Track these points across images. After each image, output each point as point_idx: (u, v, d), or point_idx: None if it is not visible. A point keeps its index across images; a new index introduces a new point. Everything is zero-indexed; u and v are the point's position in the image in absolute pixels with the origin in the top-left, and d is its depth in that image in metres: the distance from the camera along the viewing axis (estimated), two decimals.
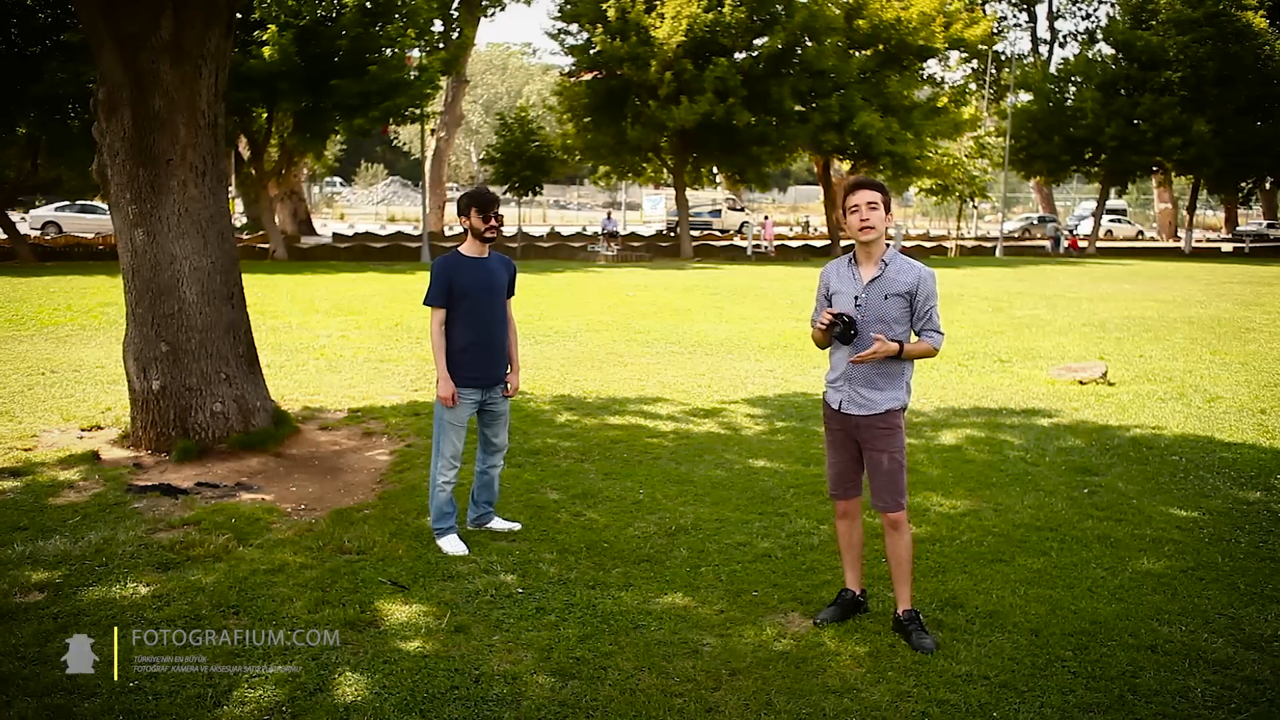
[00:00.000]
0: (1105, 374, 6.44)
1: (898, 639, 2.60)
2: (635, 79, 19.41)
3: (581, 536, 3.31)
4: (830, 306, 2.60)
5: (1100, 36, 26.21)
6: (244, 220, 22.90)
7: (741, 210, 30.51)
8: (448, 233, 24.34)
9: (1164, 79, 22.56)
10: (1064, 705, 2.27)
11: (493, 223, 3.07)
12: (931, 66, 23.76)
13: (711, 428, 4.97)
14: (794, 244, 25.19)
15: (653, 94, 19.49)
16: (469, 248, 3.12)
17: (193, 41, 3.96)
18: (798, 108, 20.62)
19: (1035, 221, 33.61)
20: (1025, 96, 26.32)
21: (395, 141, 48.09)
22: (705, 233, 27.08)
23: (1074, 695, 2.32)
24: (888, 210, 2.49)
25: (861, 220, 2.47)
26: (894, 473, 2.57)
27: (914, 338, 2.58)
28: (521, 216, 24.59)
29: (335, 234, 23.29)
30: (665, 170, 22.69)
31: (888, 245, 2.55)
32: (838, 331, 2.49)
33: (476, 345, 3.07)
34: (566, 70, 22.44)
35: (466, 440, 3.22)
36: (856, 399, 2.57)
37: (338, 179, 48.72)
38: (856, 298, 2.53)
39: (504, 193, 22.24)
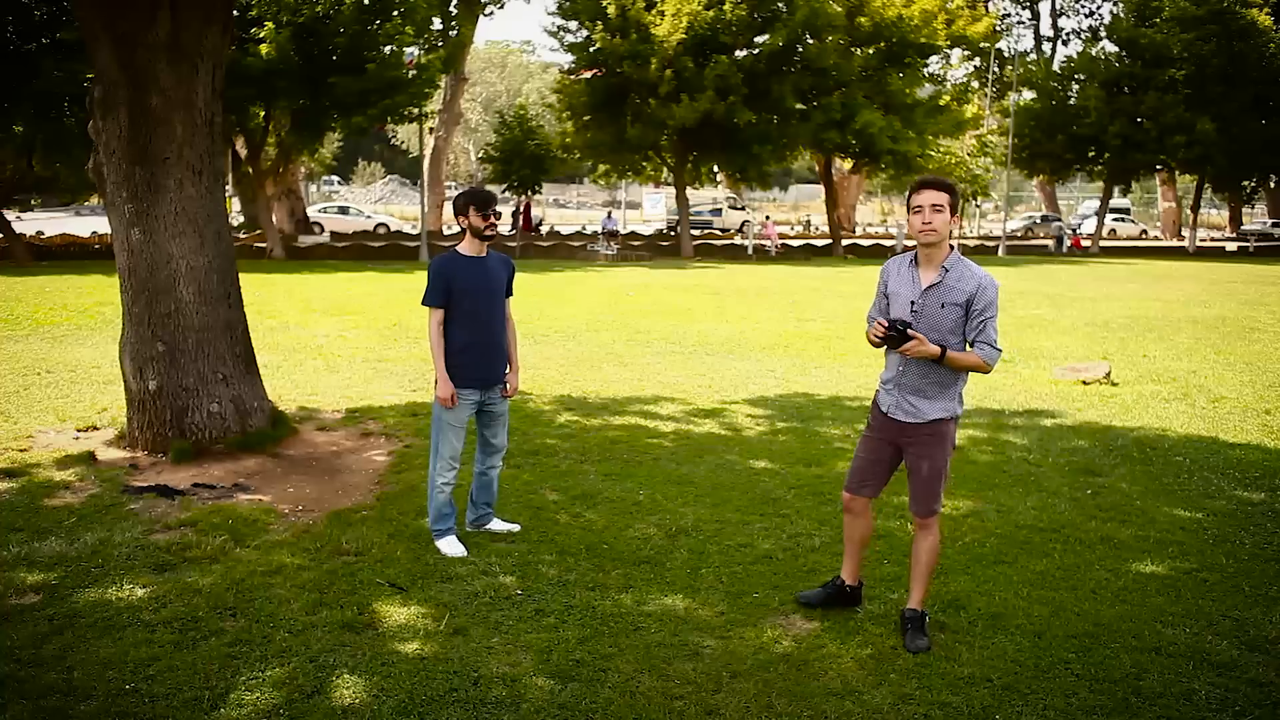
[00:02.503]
0: (1109, 374, 6.41)
1: (900, 641, 2.58)
2: (635, 77, 19.36)
3: (581, 538, 3.29)
4: (888, 305, 2.54)
5: (1104, 34, 26.16)
6: (241, 219, 22.87)
7: (742, 209, 30.47)
8: (446, 231, 24.32)
9: (1168, 77, 22.47)
10: (1067, 708, 2.26)
11: (491, 220, 3.04)
12: (934, 64, 23.67)
13: (712, 428, 4.95)
14: (795, 243, 25.16)
15: (653, 92, 19.44)
16: (467, 246, 3.09)
17: (190, 39, 3.93)
18: (799, 106, 20.56)
19: (1038, 220, 33.54)
20: (1028, 94, 26.26)
21: (393, 140, 48.01)
22: (706, 232, 27.04)
23: (1077, 698, 2.30)
24: (954, 212, 2.39)
25: (924, 222, 2.39)
26: (932, 480, 2.53)
27: (969, 348, 2.49)
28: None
29: (333, 233, 23.29)
30: (665, 169, 22.65)
31: (951, 248, 2.46)
32: (892, 339, 2.42)
33: (476, 345, 3.06)
34: (566, 68, 22.41)
35: (466, 441, 3.21)
36: (904, 405, 2.52)
37: (335, 177, 48.63)
38: (913, 303, 2.46)
39: (503, 191, 22.19)
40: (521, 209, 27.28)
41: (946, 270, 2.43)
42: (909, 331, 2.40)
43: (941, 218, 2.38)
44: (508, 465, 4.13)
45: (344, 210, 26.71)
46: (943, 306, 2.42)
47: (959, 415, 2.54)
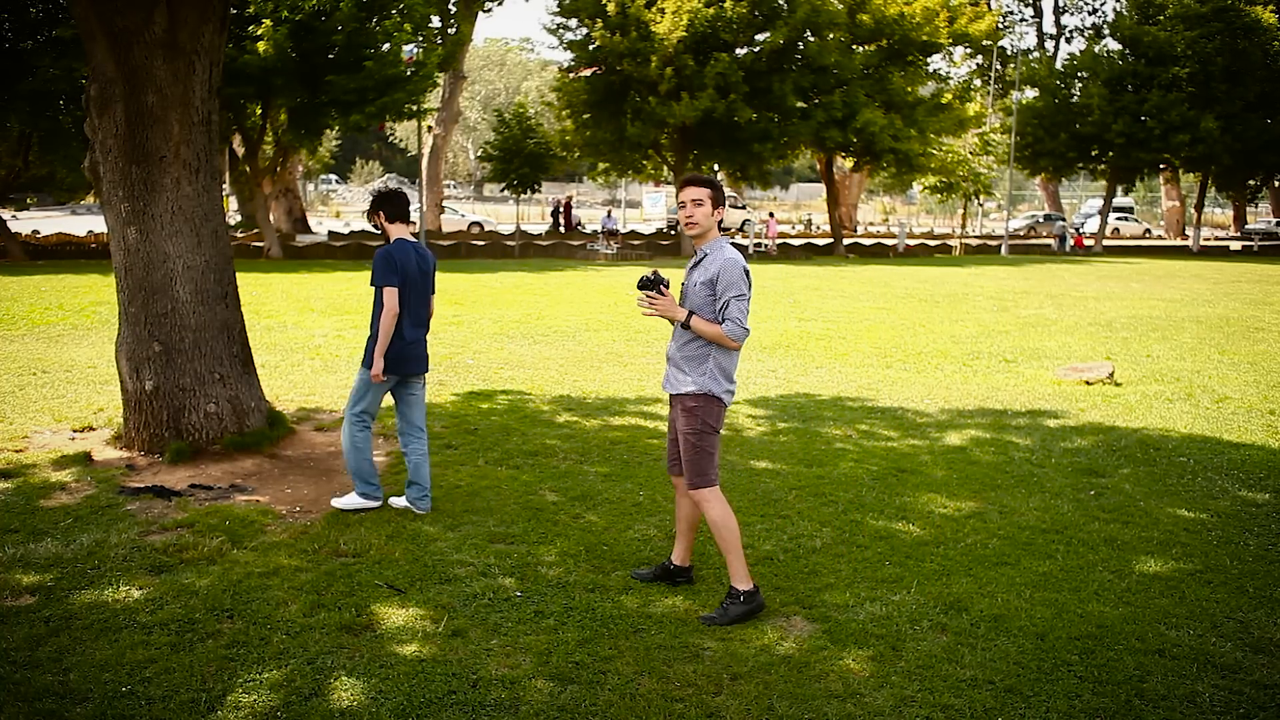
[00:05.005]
0: (1112, 374, 6.39)
1: (901, 643, 2.57)
2: (635, 75, 19.31)
3: (581, 539, 3.28)
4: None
5: (1107, 31, 26.06)
6: (238, 218, 22.82)
7: (743, 208, 30.42)
8: (445, 230, 24.33)
9: (1172, 75, 22.39)
10: (1070, 710, 2.25)
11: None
12: (936, 62, 23.61)
13: None
14: (796, 242, 25.11)
15: (653, 90, 19.41)
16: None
17: (186, 36, 3.91)
18: (800, 104, 20.51)
19: (1041, 220, 33.46)
20: (1031, 93, 26.17)
21: (391, 138, 47.92)
22: None
23: (1080, 700, 2.29)
24: (717, 205, 2.66)
25: (687, 216, 2.67)
26: (691, 454, 2.70)
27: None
28: (520, 214, 24.54)
29: (331, 232, 23.26)
30: (665, 167, 22.62)
31: (727, 237, 2.74)
32: (642, 287, 2.69)
33: None
34: (565, 66, 22.38)
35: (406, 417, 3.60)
36: (669, 377, 2.76)
37: (333, 176, 48.56)
38: (684, 285, 2.73)
39: (501, 190, 22.12)
40: (562, 208, 27.21)
41: (706, 254, 2.68)
42: (651, 290, 2.64)
43: (702, 211, 2.65)
44: (507, 466, 4.14)
45: (439, 210, 27.65)
46: (696, 286, 2.67)
47: (717, 395, 2.68)
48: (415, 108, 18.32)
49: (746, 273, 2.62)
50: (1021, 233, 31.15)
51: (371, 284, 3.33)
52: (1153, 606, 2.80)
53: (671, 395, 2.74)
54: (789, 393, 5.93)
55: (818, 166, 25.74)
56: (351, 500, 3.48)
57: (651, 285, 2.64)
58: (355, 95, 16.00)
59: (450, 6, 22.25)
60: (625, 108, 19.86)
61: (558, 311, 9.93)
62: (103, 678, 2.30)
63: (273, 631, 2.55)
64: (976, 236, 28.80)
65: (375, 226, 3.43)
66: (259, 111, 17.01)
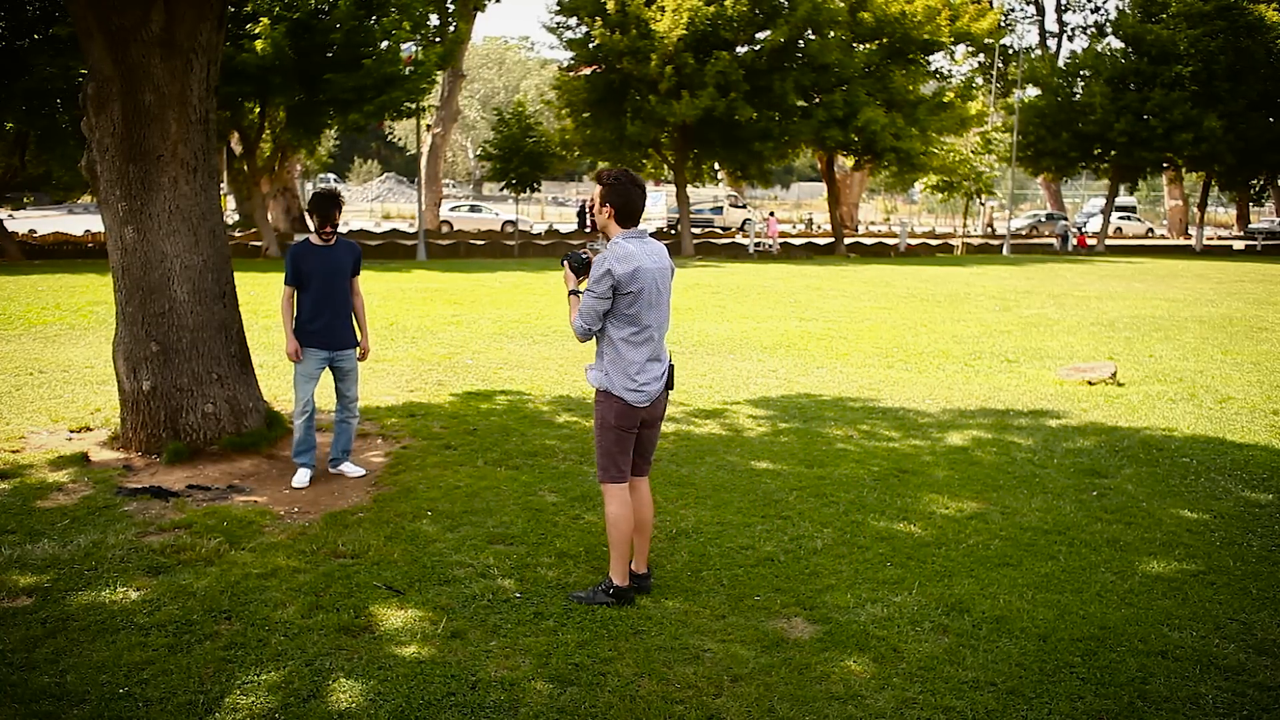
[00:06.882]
0: (1114, 374, 6.37)
1: (903, 644, 2.56)
2: (635, 73, 19.29)
3: (580, 540, 3.27)
4: None
5: (1109, 30, 25.98)
6: (236, 217, 22.80)
7: (743, 207, 30.38)
8: (444, 230, 24.29)
9: (1174, 73, 22.33)
10: (1073, 712, 2.24)
11: (326, 228, 3.78)
12: (937, 61, 23.63)
13: (713, 429, 4.92)
14: (797, 241, 25.08)
15: (653, 88, 19.38)
16: (316, 237, 3.83)
17: (184, 35, 3.89)
18: (800, 103, 20.48)
19: (1043, 219, 33.41)
20: (1033, 91, 26.11)
21: (390, 137, 47.91)
22: (706, 230, 26.97)
23: (1083, 702, 2.28)
24: (604, 204, 2.67)
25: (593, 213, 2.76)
26: (595, 446, 2.77)
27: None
28: (519, 214, 24.47)
29: (461, 231, 23.18)
30: (666, 166, 22.61)
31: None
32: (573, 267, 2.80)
33: (322, 315, 3.82)
34: (565, 64, 22.35)
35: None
36: None
37: (331, 175, 48.55)
38: None
39: (501, 189, 22.10)
40: (589, 207, 27.04)
41: (597, 251, 2.76)
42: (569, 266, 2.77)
43: (595, 210, 2.70)
44: (506, 466, 4.12)
45: (475, 209, 27.75)
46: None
47: (615, 393, 2.69)
48: (414, 106, 18.28)
49: (609, 272, 2.58)
50: (1024, 232, 31.10)
51: (355, 274, 3.91)
52: (1155, 608, 2.79)
53: None
54: (790, 393, 5.92)
55: (819, 165, 25.68)
56: (352, 467, 3.99)
57: (569, 258, 2.77)
58: (354, 94, 15.97)
59: (449, 5, 22.20)
60: (625, 106, 19.84)
61: (558, 311, 9.90)
62: (100, 679, 2.29)
63: (271, 633, 2.54)
64: (978, 236, 28.76)
65: (333, 227, 3.77)
66: (257, 110, 16.98)
